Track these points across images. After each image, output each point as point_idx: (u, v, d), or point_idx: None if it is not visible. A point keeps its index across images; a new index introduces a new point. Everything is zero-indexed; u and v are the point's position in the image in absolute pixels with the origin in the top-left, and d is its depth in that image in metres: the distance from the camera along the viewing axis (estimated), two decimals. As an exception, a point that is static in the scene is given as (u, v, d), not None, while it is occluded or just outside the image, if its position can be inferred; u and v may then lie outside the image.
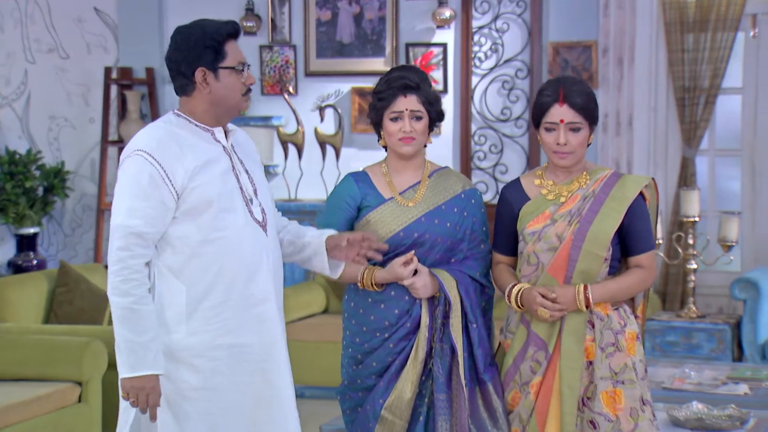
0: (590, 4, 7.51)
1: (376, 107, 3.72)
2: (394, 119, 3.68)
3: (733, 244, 6.45)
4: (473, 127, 7.78)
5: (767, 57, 7.41)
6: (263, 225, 3.44)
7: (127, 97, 8.13)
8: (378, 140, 3.79)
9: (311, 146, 7.93)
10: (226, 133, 3.46)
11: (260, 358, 3.41)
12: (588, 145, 3.68)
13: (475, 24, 7.76)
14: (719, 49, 7.27)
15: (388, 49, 7.89)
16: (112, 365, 5.61)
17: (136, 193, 3.27)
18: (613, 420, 3.53)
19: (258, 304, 3.40)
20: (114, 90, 8.23)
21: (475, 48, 7.76)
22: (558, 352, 3.60)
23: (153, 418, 3.29)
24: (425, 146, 3.79)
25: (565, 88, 3.61)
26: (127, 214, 3.27)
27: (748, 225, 7.32)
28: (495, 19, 7.73)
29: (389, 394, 3.65)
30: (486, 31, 7.76)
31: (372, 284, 3.67)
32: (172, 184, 3.28)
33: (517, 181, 3.78)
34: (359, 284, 3.69)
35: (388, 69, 7.63)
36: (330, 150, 7.92)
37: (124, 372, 3.27)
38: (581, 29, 7.56)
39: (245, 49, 3.59)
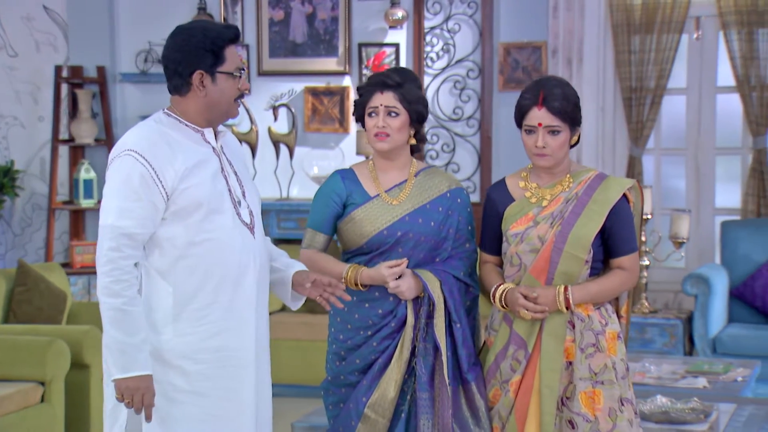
0: (540, 5, 7.65)
1: (356, 104, 3.81)
2: (371, 115, 3.75)
3: (684, 240, 6.63)
4: (425, 127, 7.85)
5: (710, 58, 7.61)
6: (251, 227, 3.44)
7: (78, 96, 8.10)
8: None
9: (265, 145, 7.96)
10: (216, 134, 3.46)
11: (245, 363, 3.41)
12: (573, 146, 3.73)
13: (427, 24, 7.85)
14: (664, 51, 7.46)
15: (340, 49, 7.95)
16: (74, 365, 5.61)
17: (126, 193, 3.26)
18: (592, 420, 3.57)
19: (244, 308, 3.40)
20: (65, 89, 8.19)
21: (427, 48, 7.86)
22: (538, 352, 3.64)
23: (148, 418, 3.28)
24: (411, 146, 3.84)
25: (545, 91, 3.64)
26: (117, 214, 3.26)
27: (693, 222, 7.49)
28: (447, 19, 7.83)
29: (372, 393, 3.69)
30: (438, 31, 7.86)
31: (356, 283, 3.72)
32: (163, 185, 3.28)
33: (503, 181, 3.83)
34: (343, 281, 3.71)
35: (341, 69, 7.89)
36: (284, 149, 7.96)
37: (116, 373, 3.26)
38: (531, 30, 7.69)
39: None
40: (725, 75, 7.52)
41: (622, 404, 3.62)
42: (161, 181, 3.28)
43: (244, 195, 3.46)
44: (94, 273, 7.74)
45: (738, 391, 4.99)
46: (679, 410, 4.43)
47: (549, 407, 3.59)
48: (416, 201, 3.77)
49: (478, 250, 3.88)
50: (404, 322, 3.72)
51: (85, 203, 8.08)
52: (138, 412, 3.27)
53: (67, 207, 8.12)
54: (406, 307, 3.71)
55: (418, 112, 3.79)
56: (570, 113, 3.66)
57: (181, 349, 3.33)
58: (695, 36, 7.58)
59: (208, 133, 3.43)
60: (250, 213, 3.46)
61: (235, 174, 3.47)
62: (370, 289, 3.72)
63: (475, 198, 7.81)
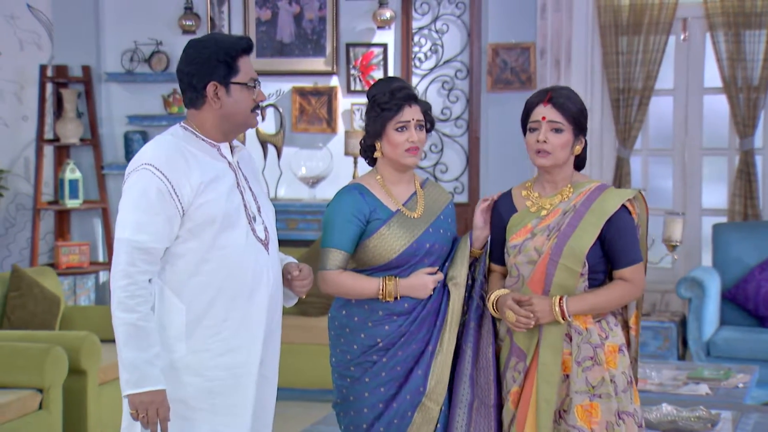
0: (528, 6, 7.67)
1: (381, 117, 3.69)
2: (401, 129, 3.68)
3: (678, 243, 6.65)
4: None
5: (697, 59, 7.67)
6: (265, 243, 3.42)
7: (64, 96, 8.03)
8: (374, 152, 3.77)
9: (252, 146, 7.92)
10: (232, 149, 3.45)
11: (250, 380, 3.40)
12: (578, 156, 3.72)
13: (415, 25, 7.85)
14: (652, 52, 7.50)
15: (328, 49, 7.93)
16: (72, 371, 5.59)
17: (144, 207, 3.25)
18: None
19: (255, 325, 3.39)
20: (50, 88, 8.12)
21: (415, 48, 7.86)
22: (536, 364, 3.63)
23: (165, 431, 3.29)
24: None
25: (553, 92, 3.68)
26: (134, 228, 3.25)
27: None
28: (435, 20, 7.83)
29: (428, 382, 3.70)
30: (426, 32, 7.86)
31: (393, 295, 3.67)
32: (179, 200, 3.27)
33: (509, 192, 3.83)
34: (380, 296, 3.66)
35: (329, 69, 7.87)
36: (271, 149, 7.94)
37: (129, 388, 3.25)
38: (519, 31, 7.71)
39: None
40: (712, 76, 7.59)
41: (620, 418, 3.59)
42: (178, 196, 3.27)
43: (259, 211, 3.45)
44: (81, 274, 7.80)
45: (740, 397, 5.02)
46: (686, 419, 4.44)
47: (545, 420, 3.58)
48: (432, 213, 3.77)
49: (486, 259, 3.88)
50: (433, 309, 3.72)
51: (70, 203, 8.01)
52: (153, 428, 3.25)
53: (52, 207, 8.06)
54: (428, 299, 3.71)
55: (431, 122, 3.82)
56: (574, 114, 3.66)
57: (194, 366, 3.34)
58: (682, 37, 7.63)
59: (224, 147, 3.42)
60: (266, 229, 3.45)
61: (251, 190, 3.47)
62: (399, 301, 3.68)
63: (462, 198, 7.83)
